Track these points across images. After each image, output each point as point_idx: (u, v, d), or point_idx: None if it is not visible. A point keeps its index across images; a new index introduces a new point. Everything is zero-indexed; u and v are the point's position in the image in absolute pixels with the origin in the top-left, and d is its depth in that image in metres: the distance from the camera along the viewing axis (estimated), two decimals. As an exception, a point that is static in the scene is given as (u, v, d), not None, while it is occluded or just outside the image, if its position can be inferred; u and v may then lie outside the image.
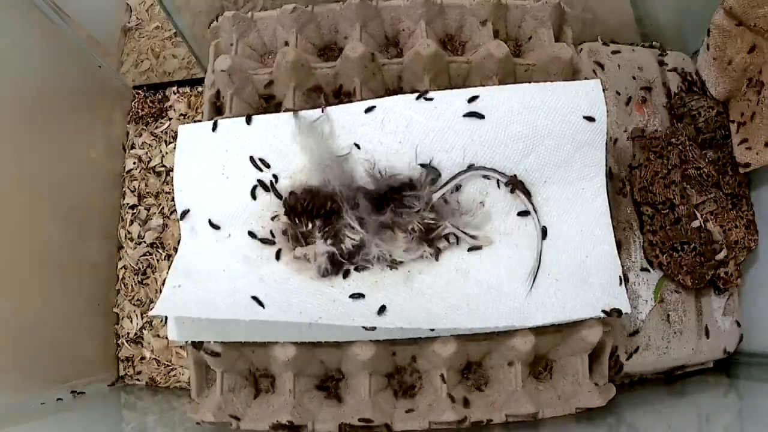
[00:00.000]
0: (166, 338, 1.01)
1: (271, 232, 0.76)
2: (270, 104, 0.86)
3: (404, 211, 0.74)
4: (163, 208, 1.13)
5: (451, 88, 0.79)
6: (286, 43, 0.85)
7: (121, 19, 1.22)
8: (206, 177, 0.78)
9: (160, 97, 1.20)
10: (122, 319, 1.09)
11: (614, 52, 0.94)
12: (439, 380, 0.75)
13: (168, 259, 1.10)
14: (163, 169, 1.15)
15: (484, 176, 0.76)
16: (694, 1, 0.93)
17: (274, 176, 0.77)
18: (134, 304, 1.09)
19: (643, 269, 0.85)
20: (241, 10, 0.92)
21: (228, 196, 0.77)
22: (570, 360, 0.77)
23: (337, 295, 0.72)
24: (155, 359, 1.07)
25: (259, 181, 0.77)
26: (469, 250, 0.75)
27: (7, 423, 0.79)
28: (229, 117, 0.81)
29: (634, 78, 0.92)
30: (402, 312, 0.71)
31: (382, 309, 0.71)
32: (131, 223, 1.13)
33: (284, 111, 0.81)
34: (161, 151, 1.16)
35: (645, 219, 0.85)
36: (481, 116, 0.75)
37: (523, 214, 0.76)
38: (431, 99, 0.75)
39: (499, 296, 0.72)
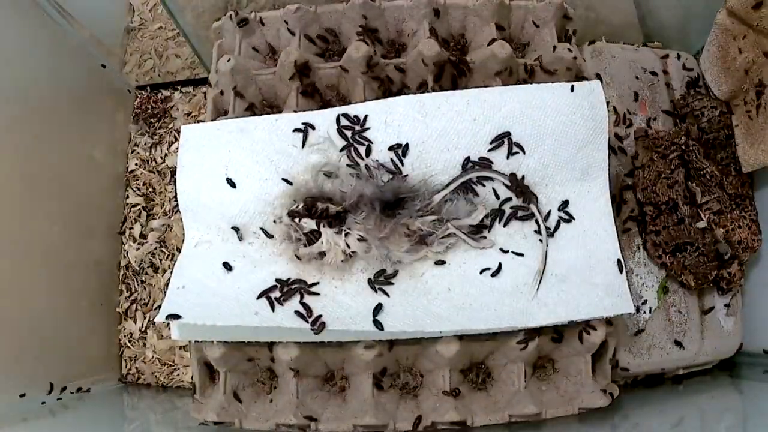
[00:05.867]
0: (169, 338, 1.01)
1: (274, 232, 0.76)
2: (273, 104, 0.86)
3: (406, 212, 0.74)
4: (166, 208, 1.13)
5: (454, 89, 0.79)
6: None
7: (125, 19, 1.23)
8: (209, 177, 0.78)
9: (163, 97, 1.20)
10: (125, 319, 1.10)
11: (617, 52, 0.94)
12: (441, 380, 0.75)
13: (171, 259, 1.10)
14: (166, 169, 1.15)
15: (487, 177, 0.76)
16: (697, 1, 0.93)
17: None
18: (137, 304, 1.09)
19: (646, 269, 0.85)
20: (244, 9, 0.92)
21: (231, 197, 0.77)
22: (573, 360, 0.77)
23: (340, 296, 0.73)
24: (158, 359, 1.07)
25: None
26: (472, 251, 0.75)
27: (10, 422, 0.79)
28: (232, 117, 0.81)
29: (637, 78, 0.92)
30: (405, 314, 0.71)
31: (385, 311, 0.71)
32: (134, 222, 1.13)
33: (287, 111, 0.82)
34: (164, 151, 1.16)
35: (648, 219, 0.85)
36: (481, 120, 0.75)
37: (528, 216, 0.76)
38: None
39: (502, 297, 0.72)
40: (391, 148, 0.76)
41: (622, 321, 0.82)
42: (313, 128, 0.77)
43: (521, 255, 0.75)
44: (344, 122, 0.76)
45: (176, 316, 0.70)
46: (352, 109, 0.77)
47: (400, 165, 0.76)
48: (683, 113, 0.91)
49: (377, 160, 0.76)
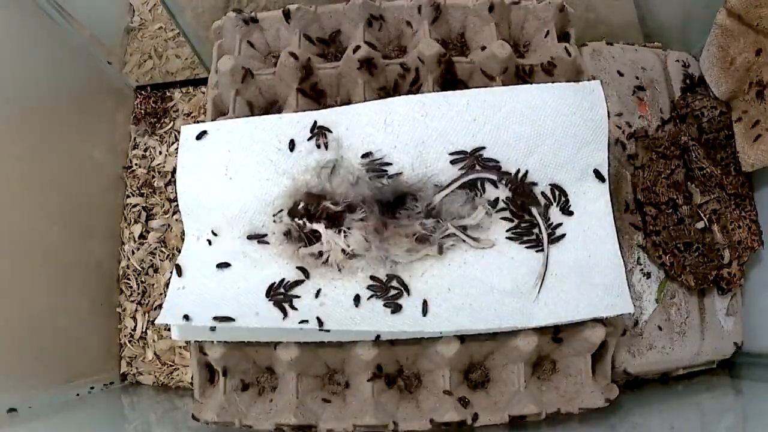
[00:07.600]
0: (169, 338, 1.01)
1: (274, 233, 0.76)
2: (273, 104, 0.86)
3: (406, 212, 0.74)
4: (166, 208, 1.13)
5: (454, 89, 0.79)
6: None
7: (125, 20, 1.23)
8: (209, 177, 0.78)
9: (163, 97, 1.20)
10: (125, 318, 1.10)
11: (617, 53, 0.94)
12: (442, 380, 0.75)
13: (170, 260, 1.10)
14: (166, 169, 1.15)
15: (488, 177, 0.76)
16: (697, 1, 0.93)
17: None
18: (137, 304, 1.09)
19: (646, 270, 0.85)
20: (244, 9, 0.92)
21: (231, 197, 0.77)
22: (573, 360, 0.77)
23: (340, 297, 0.73)
24: (158, 359, 1.07)
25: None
26: (472, 251, 0.75)
27: (9, 422, 0.79)
28: (232, 117, 0.81)
29: (637, 78, 0.92)
30: (405, 314, 0.71)
31: (385, 311, 0.71)
32: (134, 223, 1.13)
33: (287, 111, 0.82)
34: (164, 152, 1.16)
35: (648, 219, 0.85)
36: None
37: (527, 216, 0.76)
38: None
39: (501, 297, 0.72)
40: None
41: (622, 321, 0.82)
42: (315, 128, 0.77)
43: (521, 255, 0.75)
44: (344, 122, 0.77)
45: (177, 317, 0.70)
46: (351, 110, 0.77)
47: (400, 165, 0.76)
48: (683, 113, 0.91)
49: (377, 160, 0.76)
